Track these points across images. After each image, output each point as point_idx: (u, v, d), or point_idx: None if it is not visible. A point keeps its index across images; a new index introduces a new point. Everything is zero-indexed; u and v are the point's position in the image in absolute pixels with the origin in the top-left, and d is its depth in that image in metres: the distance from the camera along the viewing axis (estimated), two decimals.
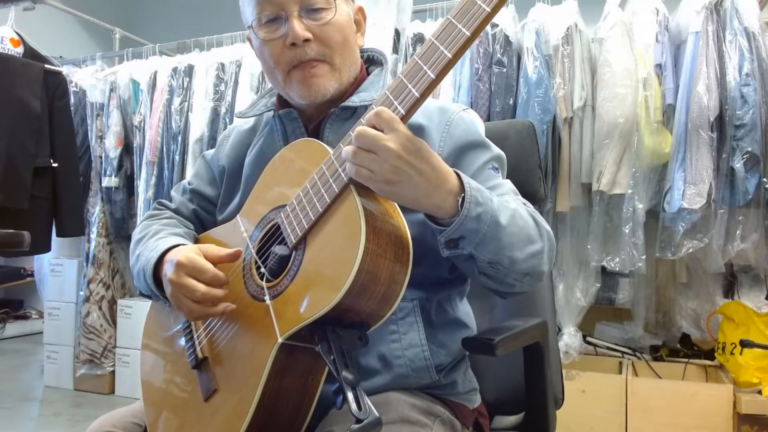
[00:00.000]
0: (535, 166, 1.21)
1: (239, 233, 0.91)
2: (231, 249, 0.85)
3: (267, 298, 0.78)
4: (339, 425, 0.77)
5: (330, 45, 0.90)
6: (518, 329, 0.91)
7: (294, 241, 0.78)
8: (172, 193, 1.14)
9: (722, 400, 2.07)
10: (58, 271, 3.31)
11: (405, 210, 0.76)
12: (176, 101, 2.96)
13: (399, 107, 0.71)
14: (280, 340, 0.73)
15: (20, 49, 2.94)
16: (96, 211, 3.18)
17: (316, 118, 0.96)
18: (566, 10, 2.32)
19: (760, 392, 2.06)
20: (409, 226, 0.76)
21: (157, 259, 0.90)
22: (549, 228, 0.83)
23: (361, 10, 0.99)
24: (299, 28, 0.88)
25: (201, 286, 0.80)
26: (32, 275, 4.29)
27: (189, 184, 1.12)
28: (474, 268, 0.78)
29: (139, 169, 3.06)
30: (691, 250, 2.13)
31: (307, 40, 0.88)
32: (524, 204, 0.84)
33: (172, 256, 0.85)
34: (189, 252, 0.84)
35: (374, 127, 0.70)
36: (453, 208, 0.72)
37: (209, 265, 0.81)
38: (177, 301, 0.83)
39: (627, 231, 2.18)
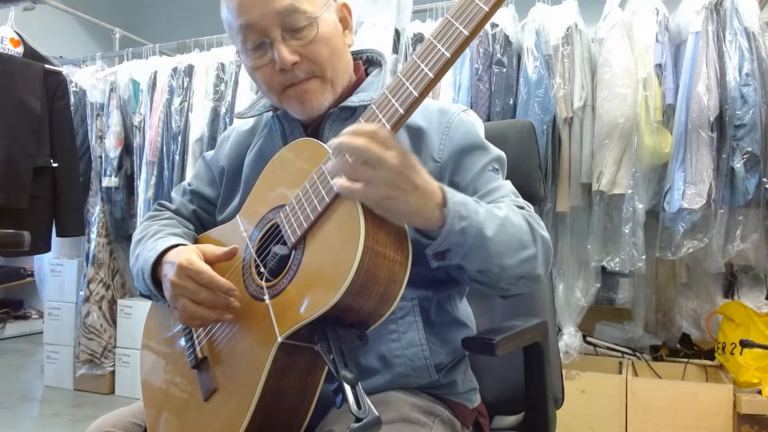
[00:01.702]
0: (535, 166, 1.21)
1: (239, 233, 0.91)
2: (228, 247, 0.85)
3: (266, 297, 0.78)
4: (339, 424, 0.77)
5: (318, 62, 0.89)
6: (518, 329, 0.91)
7: (293, 240, 0.78)
8: (173, 194, 1.14)
9: (722, 400, 2.07)
10: (58, 271, 3.31)
11: None
12: (176, 101, 2.96)
13: (398, 106, 0.71)
14: (279, 339, 0.73)
15: (20, 49, 2.94)
16: (96, 211, 3.18)
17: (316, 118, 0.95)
18: (566, 10, 2.32)
19: (760, 392, 2.06)
20: (407, 226, 0.76)
21: (156, 260, 0.90)
22: (545, 233, 0.83)
23: (345, 6, 0.97)
24: (286, 53, 0.87)
25: (202, 289, 0.80)
26: (32, 275, 4.29)
27: (189, 185, 1.12)
28: (466, 276, 0.79)
29: (139, 169, 3.07)
30: (691, 250, 2.13)
31: (295, 63, 0.88)
32: (521, 207, 0.84)
33: (172, 258, 0.85)
34: (189, 253, 0.84)
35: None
36: (440, 219, 0.73)
37: (206, 267, 0.81)
38: (176, 303, 0.83)
39: (627, 231, 2.18)
